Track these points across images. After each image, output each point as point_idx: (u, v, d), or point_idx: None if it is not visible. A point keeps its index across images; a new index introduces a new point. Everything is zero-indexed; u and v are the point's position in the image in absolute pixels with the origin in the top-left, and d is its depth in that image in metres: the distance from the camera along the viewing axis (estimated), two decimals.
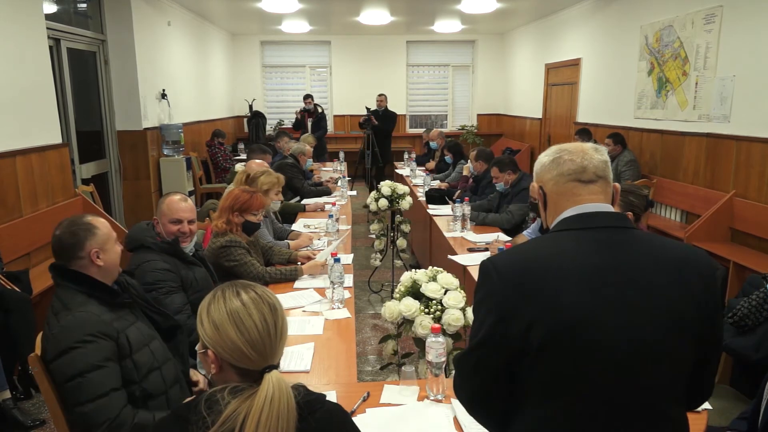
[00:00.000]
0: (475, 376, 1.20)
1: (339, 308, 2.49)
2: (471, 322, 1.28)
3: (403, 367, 1.89)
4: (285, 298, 2.58)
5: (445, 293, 2.06)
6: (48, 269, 1.83)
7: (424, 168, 7.11)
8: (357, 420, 1.20)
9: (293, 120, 9.11)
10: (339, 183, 5.49)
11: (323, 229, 3.87)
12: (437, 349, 1.71)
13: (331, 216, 3.64)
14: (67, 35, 5.08)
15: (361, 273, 5.07)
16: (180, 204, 2.39)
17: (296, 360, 2.02)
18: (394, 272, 4.82)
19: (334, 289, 2.51)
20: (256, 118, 9.49)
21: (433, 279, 2.12)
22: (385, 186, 4.48)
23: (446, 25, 9.13)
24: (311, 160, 6.05)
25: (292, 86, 10.77)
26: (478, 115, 10.95)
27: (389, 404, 1.73)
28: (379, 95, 8.09)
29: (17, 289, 3.13)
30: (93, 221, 1.83)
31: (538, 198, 1.30)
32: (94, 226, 1.81)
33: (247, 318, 1.10)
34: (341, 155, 7.41)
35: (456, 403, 1.68)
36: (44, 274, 3.32)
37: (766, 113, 4.16)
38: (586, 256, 1.15)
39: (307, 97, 8.72)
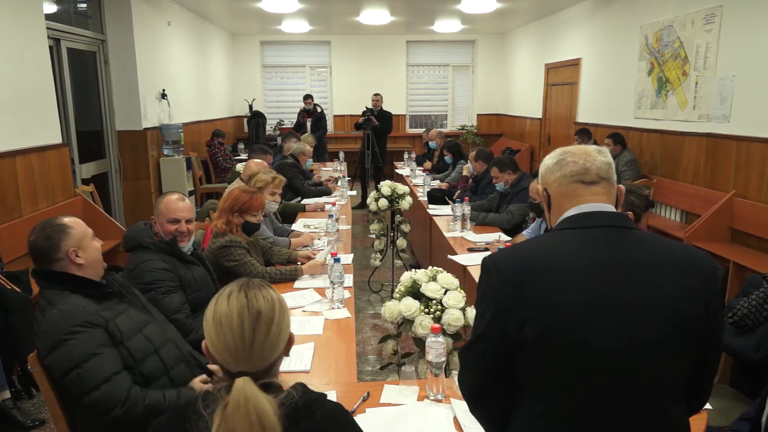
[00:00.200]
0: (475, 368, 1.23)
1: (339, 308, 2.49)
2: (471, 322, 1.29)
3: (403, 367, 1.89)
4: (285, 298, 2.58)
5: (445, 293, 2.06)
6: (31, 275, 1.83)
7: (421, 168, 7.11)
8: (357, 420, 1.19)
9: (293, 120, 9.11)
10: (339, 183, 5.50)
11: (323, 229, 3.87)
12: (437, 349, 1.72)
13: (331, 216, 3.64)
14: (67, 35, 5.08)
15: (361, 273, 5.07)
16: (177, 203, 2.38)
17: (296, 360, 2.02)
18: (394, 272, 4.82)
19: (334, 289, 2.51)
20: (256, 118, 9.49)
21: (433, 279, 2.12)
22: (385, 186, 4.48)
23: (446, 25, 9.13)
24: (311, 160, 6.05)
25: (292, 86, 10.77)
26: (478, 115, 10.95)
27: (389, 404, 1.73)
28: (375, 95, 8.06)
29: (17, 289, 3.13)
30: (66, 221, 1.81)
31: (543, 200, 1.32)
32: (67, 226, 1.79)
33: (226, 321, 1.10)
34: (341, 155, 7.41)
35: (456, 403, 1.68)
36: None
37: (766, 113, 4.16)
38: (585, 255, 1.16)
39: (307, 98, 8.72)
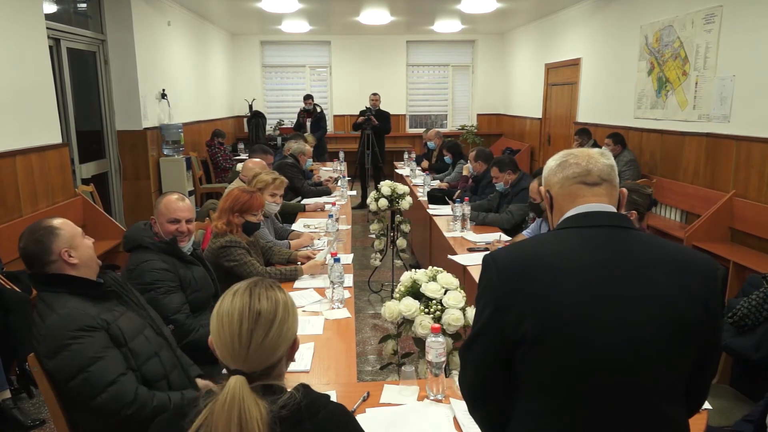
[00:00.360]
0: (475, 367, 1.23)
1: (339, 308, 2.49)
2: (471, 322, 1.29)
3: (403, 367, 1.89)
4: None
5: (445, 293, 2.06)
6: (28, 279, 1.82)
7: (420, 167, 7.10)
8: (357, 420, 1.20)
9: (293, 120, 9.11)
10: (339, 183, 5.50)
11: (323, 229, 3.87)
12: (437, 349, 1.72)
13: (331, 216, 3.64)
14: (67, 35, 5.08)
15: (361, 273, 5.07)
16: (178, 203, 2.38)
17: (296, 360, 2.02)
18: (394, 272, 4.82)
19: (334, 289, 2.51)
20: (256, 118, 9.49)
21: (433, 279, 2.12)
22: (385, 186, 4.48)
23: (446, 25, 9.13)
24: (311, 160, 6.05)
25: (292, 86, 10.76)
26: (478, 115, 10.95)
27: (389, 404, 1.73)
28: (373, 94, 8.05)
29: (17, 289, 3.13)
30: (54, 223, 1.79)
31: (545, 201, 1.33)
32: (55, 228, 1.78)
33: (227, 318, 1.10)
34: (341, 155, 7.40)
35: (456, 403, 1.68)
36: None
37: (766, 113, 4.16)
38: (585, 254, 1.16)
39: (308, 98, 8.72)
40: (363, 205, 7.26)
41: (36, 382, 1.74)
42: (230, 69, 10.22)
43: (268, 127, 9.96)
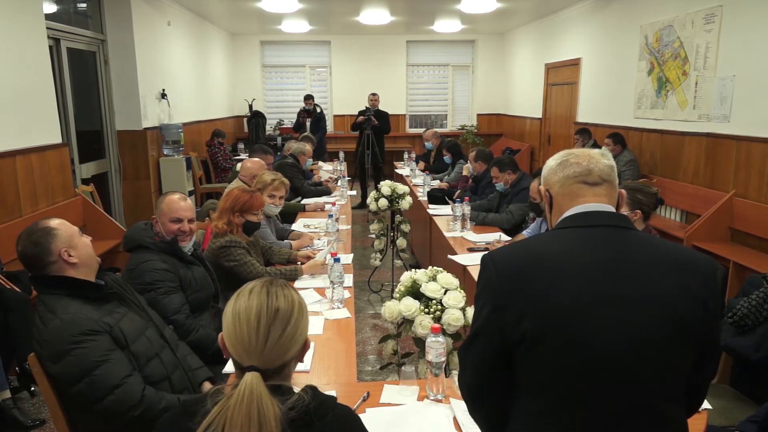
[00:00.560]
0: (474, 367, 1.23)
1: (339, 308, 2.49)
2: (471, 321, 1.29)
3: (403, 367, 1.89)
4: None
5: (445, 293, 2.06)
6: (29, 282, 1.80)
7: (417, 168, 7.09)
8: None
9: (293, 120, 9.11)
10: (339, 183, 5.50)
11: (323, 229, 3.87)
12: (437, 349, 1.72)
13: (331, 216, 3.64)
14: (67, 35, 5.08)
15: (361, 273, 5.07)
16: (179, 203, 2.38)
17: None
18: (394, 272, 4.82)
19: (333, 288, 2.51)
20: (256, 118, 9.49)
21: (433, 279, 2.12)
22: (385, 186, 4.48)
23: (446, 25, 9.12)
24: (311, 160, 6.05)
25: (292, 86, 10.76)
26: (478, 114, 10.95)
27: (389, 404, 1.73)
28: (372, 94, 8.04)
29: (17, 289, 3.13)
30: (49, 224, 1.78)
31: (545, 200, 1.33)
32: (52, 228, 1.77)
33: (244, 314, 1.10)
34: (341, 155, 7.40)
35: (456, 403, 1.68)
36: None
37: (766, 113, 4.16)
38: (583, 253, 1.16)
39: (308, 98, 8.72)
40: (363, 205, 7.26)
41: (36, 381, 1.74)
42: (230, 69, 10.22)
43: (268, 127, 9.96)
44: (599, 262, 1.15)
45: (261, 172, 3.78)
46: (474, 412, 1.30)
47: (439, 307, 2.03)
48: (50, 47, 4.60)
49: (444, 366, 1.77)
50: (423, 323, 1.98)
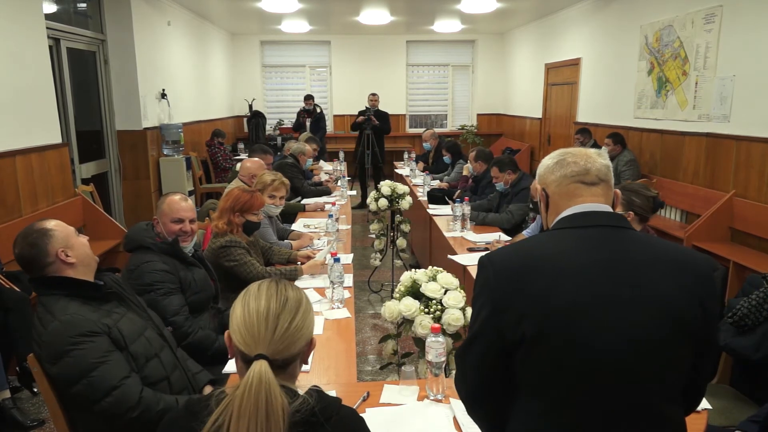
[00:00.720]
0: (474, 369, 1.22)
1: (339, 308, 2.49)
2: (469, 323, 1.29)
3: (403, 367, 1.89)
4: None
5: (444, 293, 2.06)
6: (29, 283, 1.80)
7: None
8: None
9: (293, 120, 9.12)
10: (339, 183, 5.50)
11: (323, 229, 3.87)
12: (437, 348, 1.72)
13: (330, 216, 3.64)
14: (66, 35, 5.08)
15: (361, 273, 5.07)
16: (181, 203, 2.38)
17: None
18: (394, 272, 4.82)
19: (333, 288, 2.51)
20: (256, 118, 9.49)
21: (433, 279, 2.12)
22: (385, 186, 4.48)
23: (446, 25, 9.12)
24: (311, 160, 6.05)
25: (292, 86, 10.77)
26: (478, 114, 10.95)
27: (389, 404, 1.73)
28: (372, 94, 8.04)
29: (17, 289, 3.13)
30: (45, 225, 1.78)
31: (540, 199, 1.32)
32: (48, 230, 1.76)
33: (254, 304, 1.11)
34: (341, 155, 7.40)
35: (456, 403, 1.68)
36: None
37: (766, 113, 4.16)
38: (581, 253, 1.16)
39: (308, 98, 8.72)
40: (363, 205, 7.26)
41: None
42: (230, 69, 10.22)
43: (268, 127, 9.96)
44: (599, 262, 1.14)
45: (260, 172, 3.78)
46: (473, 413, 1.29)
47: (439, 307, 2.03)
48: (50, 47, 4.60)
49: (444, 366, 1.77)
50: (423, 323, 1.98)
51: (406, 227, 4.62)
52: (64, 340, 1.64)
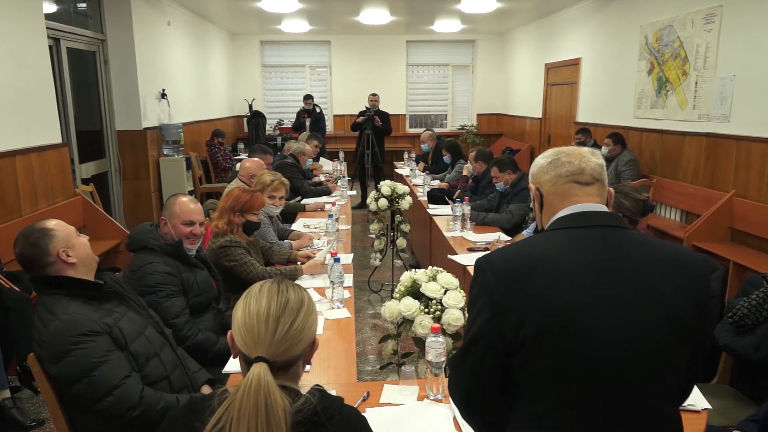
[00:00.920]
0: (471, 372, 1.20)
1: (339, 308, 2.49)
2: (465, 327, 1.28)
3: (402, 367, 1.89)
4: None
5: (444, 293, 2.06)
6: (29, 283, 1.79)
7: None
8: None
9: (293, 120, 9.12)
10: (339, 183, 5.50)
11: (323, 229, 3.87)
12: (437, 348, 1.72)
13: (330, 216, 3.64)
14: (66, 35, 5.08)
15: (361, 273, 5.07)
16: (191, 206, 2.39)
17: None
18: (394, 272, 4.82)
19: (333, 288, 2.51)
20: (256, 118, 9.49)
21: (433, 279, 2.12)
22: (385, 186, 4.48)
23: (446, 25, 9.12)
24: (311, 159, 6.05)
25: (292, 86, 10.76)
26: (478, 114, 10.95)
27: (389, 404, 1.73)
28: (372, 95, 8.03)
29: (17, 289, 3.13)
30: (46, 225, 1.78)
31: (534, 199, 1.32)
32: (49, 229, 1.76)
33: (255, 305, 1.11)
34: (341, 155, 7.40)
35: None
36: None
37: (766, 113, 4.16)
38: (581, 254, 1.15)
39: (308, 98, 8.72)
40: (363, 205, 7.26)
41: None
42: (230, 69, 10.22)
43: (268, 127, 9.96)
44: (598, 263, 1.14)
45: (260, 171, 3.78)
46: (471, 417, 1.28)
47: (439, 307, 2.03)
48: (50, 47, 4.60)
49: (444, 366, 1.77)
50: (423, 323, 1.98)
51: (406, 227, 4.62)
52: (65, 340, 1.64)
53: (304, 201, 5.00)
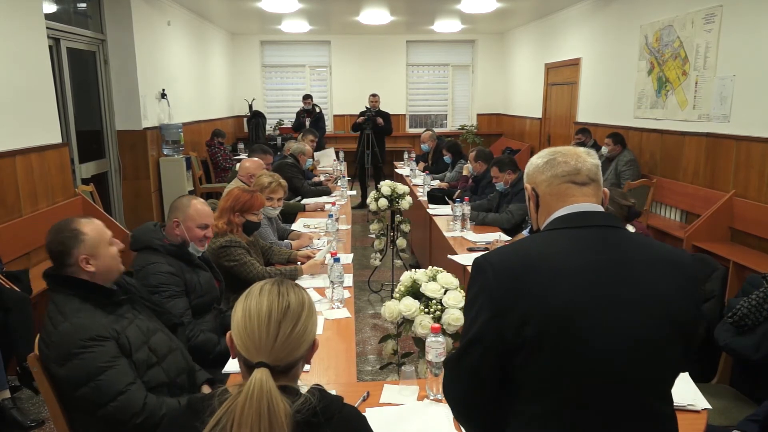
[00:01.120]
0: (469, 373, 1.19)
1: (339, 308, 2.49)
2: (463, 328, 1.27)
3: (402, 367, 1.89)
4: None
5: (444, 293, 2.06)
6: (42, 277, 1.79)
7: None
8: None
9: (293, 120, 9.12)
10: (339, 183, 5.50)
11: (323, 229, 3.87)
12: (437, 348, 1.72)
13: (330, 216, 3.64)
14: (66, 35, 5.08)
15: (361, 273, 5.07)
16: (206, 209, 2.40)
17: None
18: (394, 272, 4.82)
19: (333, 288, 2.51)
20: (256, 118, 9.49)
21: (433, 279, 2.12)
22: (385, 186, 4.48)
23: (446, 25, 9.12)
24: (311, 159, 6.05)
25: (292, 86, 10.77)
26: (478, 114, 10.95)
27: (389, 404, 1.73)
28: (373, 95, 8.04)
29: (17, 289, 3.13)
30: (80, 226, 1.76)
31: (530, 199, 1.31)
32: (81, 233, 1.75)
33: (255, 309, 1.10)
34: (341, 155, 7.40)
35: None
36: None
37: (766, 113, 4.16)
38: (579, 254, 1.15)
39: (307, 98, 8.72)
40: (363, 205, 7.26)
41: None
42: (230, 69, 10.22)
43: (267, 127, 9.96)
44: (597, 263, 1.14)
45: (259, 171, 3.78)
46: (466, 418, 1.27)
47: (439, 307, 2.03)
48: (50, 47, 4.59)
49: None
50: (423, 323, 1.98)
51: (406, 227, 4.62)
52: (74, 343, 1.64)
53: (304, 201, 5.00)
